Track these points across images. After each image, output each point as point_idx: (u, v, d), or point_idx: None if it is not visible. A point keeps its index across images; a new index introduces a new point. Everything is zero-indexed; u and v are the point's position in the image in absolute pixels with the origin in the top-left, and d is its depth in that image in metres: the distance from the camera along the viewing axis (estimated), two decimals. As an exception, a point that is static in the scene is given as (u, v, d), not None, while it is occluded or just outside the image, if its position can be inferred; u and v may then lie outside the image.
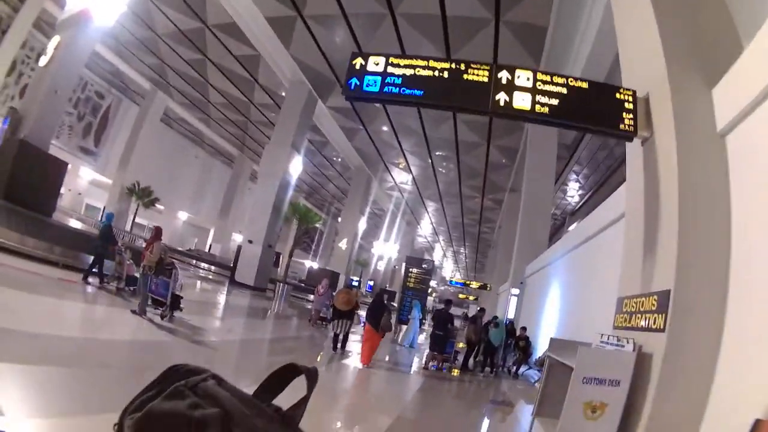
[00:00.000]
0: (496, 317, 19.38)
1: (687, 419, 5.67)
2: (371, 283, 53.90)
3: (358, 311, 16.22)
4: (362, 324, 16.11)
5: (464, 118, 28.15)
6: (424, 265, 29.59)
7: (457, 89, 6.82)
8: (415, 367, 16.72)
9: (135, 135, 44.21)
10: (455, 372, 16.46)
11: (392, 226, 55.71)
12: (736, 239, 5.84)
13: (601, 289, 11.71)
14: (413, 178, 42.56)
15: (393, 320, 17.34)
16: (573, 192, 37.21)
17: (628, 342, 6.51)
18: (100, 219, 40.03)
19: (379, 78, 6.83)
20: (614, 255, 10.31)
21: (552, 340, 7.87)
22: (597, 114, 7.00)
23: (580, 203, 37.89)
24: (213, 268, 40.64)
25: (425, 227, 61.29)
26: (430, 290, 41.51)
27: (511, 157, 32.81)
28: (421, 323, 25.91)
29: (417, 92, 6.76)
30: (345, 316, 14.61)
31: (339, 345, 14.81)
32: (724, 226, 5.95)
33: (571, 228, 28.32)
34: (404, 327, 24.13)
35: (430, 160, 36.68)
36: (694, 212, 6.10)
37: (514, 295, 25.29)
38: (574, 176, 34.47)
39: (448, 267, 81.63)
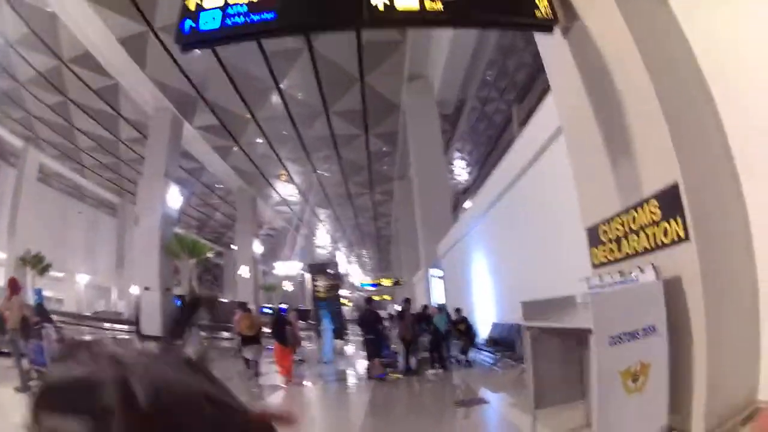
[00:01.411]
0: (426, 306, 17.22)
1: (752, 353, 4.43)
2: (285, 306, 50.85)
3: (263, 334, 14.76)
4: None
5: (336, 108, 26.32)
6: (329, 270, 27.23)
7: (318, 1, 5.39)
8: (353, 379, 14.83)
9: (17, 199, 39.67)
10: (395, 377, 13.83)
11: (290, 244, 53.10)
12: (721, 100, 4.71)
13: (552, 231, 9.87)
14: (298, 187, 40.25)
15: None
16: (461, 170, 36.00)
17: (643, 271, 4.62)
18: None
19: (218, 11, 5.27)
20: (555, 184, 8.82)
21: (525, 304, 5.85)
22: (503, 4, 5.73)
23: (470, 180, 36.66)
24: (125, 327, 36.38)
25: (322, 237, 59.03)
26: (342, 299, 39.33)
27: (392, 142, 31.00)
28: (340, 334, 23.41)
29: (268, 16, 5.22)
30: (253, 341, 13.45)
31: (254, 370, 13.60)
32: (704, 91, 4.77)
33: (466, 205, 26.68)
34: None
35: (310, 165, 34.47)
36: (670, 83, 4.79)
37: (438, 277, 23.20)
38: (458, 154, 33.39)
39: (356, 272, 79.52)
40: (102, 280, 55.94)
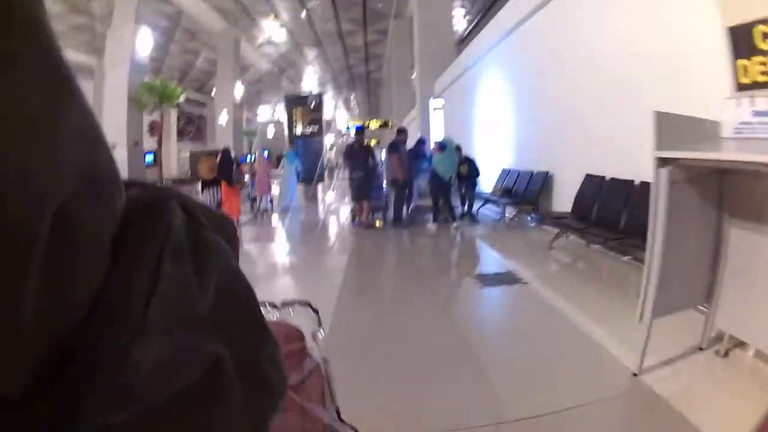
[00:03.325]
0: (422, 140, 13.56)
1: None
2: (267, 153, 47.60)
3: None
4: None
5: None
6: (309, 103, 23.27)
7: None
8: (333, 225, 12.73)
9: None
10: (378, 223, 11.69)
11: (275, 87, 49.80)
12: None
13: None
14: (285, 24, 36.34)
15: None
16: (459, 18, 32.43)
17: None
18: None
19: None
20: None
21: (661, 115, 3.40)
22: None
23: (469, 29, 32.92)
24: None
25: (309, 80, 55.49)
26: (329, 145, 36.26)
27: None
28: (316, 178, 20.61)
29: None
30: (213, 185, 12.27)
31: None
32: None
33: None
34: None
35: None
36: None
37: (438, 109, 20.06)
38: (459, 1, 29.48)
39: (342, 118, 76.16)
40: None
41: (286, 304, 0.90)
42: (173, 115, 37.63)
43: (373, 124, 41.24)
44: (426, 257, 9.19)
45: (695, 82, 4.94)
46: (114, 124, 23.79)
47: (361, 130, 12.89)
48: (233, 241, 0.48)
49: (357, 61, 45.29)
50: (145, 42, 25.58)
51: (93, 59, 43.87)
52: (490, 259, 8.52)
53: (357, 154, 11.71)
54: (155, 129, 26.45)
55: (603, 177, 7.18)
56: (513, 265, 7.34)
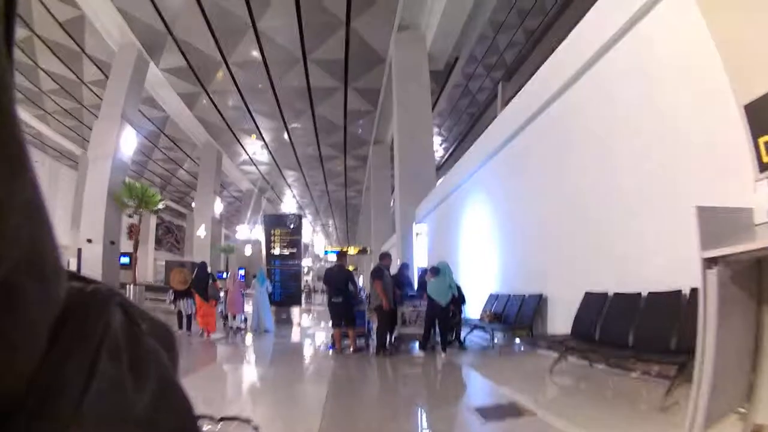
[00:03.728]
0: (405, 265, 13.46)
1: None
2: (242, 272, 46.30)
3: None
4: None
5: (316, 56, 23.07)
6: (288, 224, 22.79)
7: None
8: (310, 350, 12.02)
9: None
10: (355, 350, 10.93)
11: (255, 207, 50.09)
12: None
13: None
14: (267, 145, 37.01)
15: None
16: (436, 146, 33.32)
17: None
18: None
19: None
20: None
21: (702, 210, 3.09)
22: None
23: (445, 156, 35.09)
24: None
25: (288, 202, 55.75)
26: (306, 269, 35.80)
27: (372, 101, 27.80)
28: (292, 300, 20.09)
29: None
30: (185, 296, 13.82)
31: (185, 325, 13.83)
32: None
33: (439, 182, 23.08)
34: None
35: (282, 120, 31.27)
36: None
37: (420, 234, 19.27)
38: (436, 129, 30.51)
39: (319, 242, 76.09)
40: (59, 237, 52.79)
41: (227, 418, 0.88)
42: (153, 221, 37.31)
43: (352, 250, 41.12)
44: (417, 388, 8.19)
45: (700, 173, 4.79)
46: (92, 219, 23.62)
47: (341, 254, 12.72)
48: (172, 352, 0.48)
49: (336, 186, 45.71)
50: (129, 142, 25.31)
51: (78, 147, 43.85)
52: (489, 390, 7.61)
53: (337, 278, 11.26)
54: (133, 232, 26.12)
55: (605, 294, 6.57)
56: (514, 394, 6.49)
